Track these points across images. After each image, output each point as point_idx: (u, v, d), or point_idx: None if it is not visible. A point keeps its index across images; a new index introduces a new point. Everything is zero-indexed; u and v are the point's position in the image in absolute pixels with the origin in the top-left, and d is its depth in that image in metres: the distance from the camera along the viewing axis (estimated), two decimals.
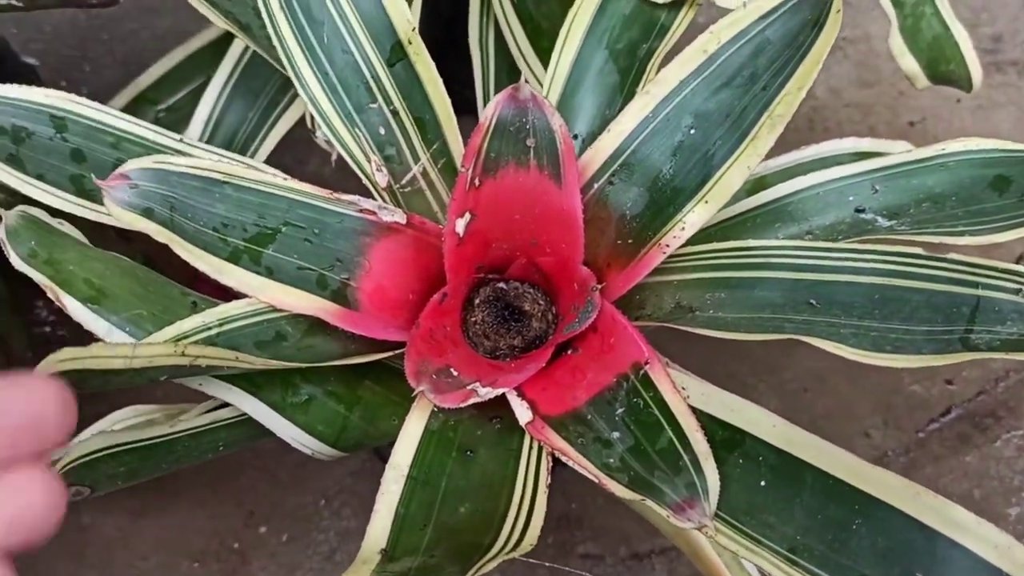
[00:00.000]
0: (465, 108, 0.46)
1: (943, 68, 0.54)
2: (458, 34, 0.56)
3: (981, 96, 0.78)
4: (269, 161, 0.54)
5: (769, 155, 0.43)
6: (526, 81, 0.41)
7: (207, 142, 0.56)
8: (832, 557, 0.33)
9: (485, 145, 0.42)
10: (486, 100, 0.54)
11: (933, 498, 0.32)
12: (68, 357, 0.31)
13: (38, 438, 0.24)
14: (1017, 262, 0.69)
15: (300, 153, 0.79)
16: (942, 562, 0.31)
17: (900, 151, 0.55)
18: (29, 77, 0.76)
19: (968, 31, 0.82)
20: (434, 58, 0.46)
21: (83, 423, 0.50)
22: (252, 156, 0.55)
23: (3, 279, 0.60)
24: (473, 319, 0.45)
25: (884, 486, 0.33)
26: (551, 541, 0.62)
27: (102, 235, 0.45)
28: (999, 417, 0.66)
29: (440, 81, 0.45)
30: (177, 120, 0.62)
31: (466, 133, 0.46)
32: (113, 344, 0.32)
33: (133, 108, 0.62)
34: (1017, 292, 0.38)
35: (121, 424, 0.56)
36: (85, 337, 0.34)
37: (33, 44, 0.83)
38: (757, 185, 0.52)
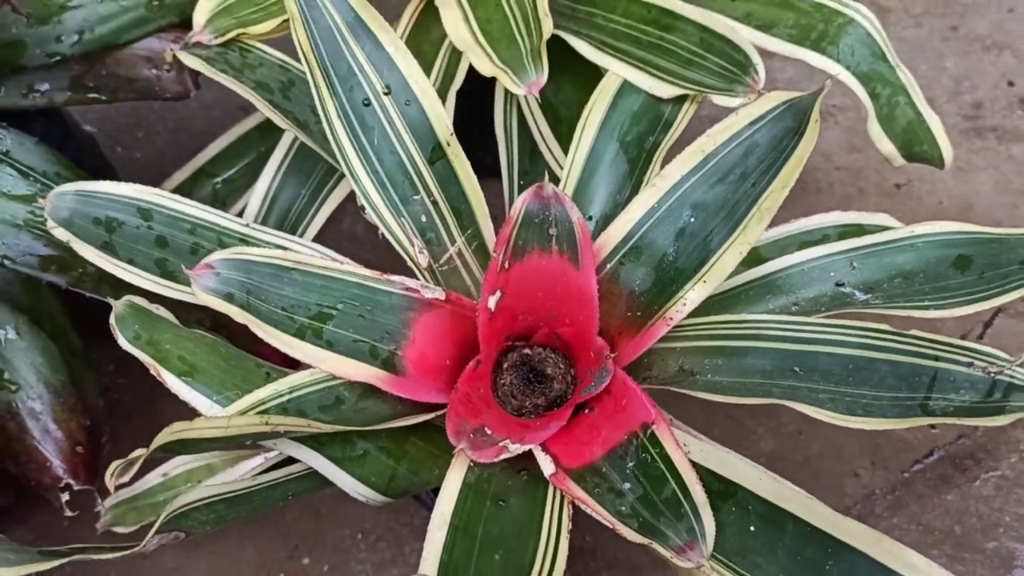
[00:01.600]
0: (486, 171, 0.52)
1: (917, 148, 0.61)
2: (479, 105, 0.63)
3: (962, 160, 0.84)
4: None
5: None
6: (548, 179, 0.48)
7: (264, 216, 0.63)
8: None
9: (514, 235, 0.48)
10: (510, 181, 0.61)
11: (891, 544, 0.38)
12: (177, 430, 0.37)
13: None
14: (984, 330, 0.76)
15: (335, 212, 0.86)
16: None
17: (879, 222, 0.62)
18: (91, 145, 0.83)
19: (949, 99, 0.88)
20: (456, 125, 0.53)
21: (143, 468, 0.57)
22: (304, 230, 0.62)
23: (77, 334, 0.67)
24: (502, 381, 0.51)
25: (851, 533, 0.39)
26: (567, 573, 0.68)
27: (182, 304, 0.52)
28: (978, 459, 0.72)
29: (474, 177, 0.52)
30: (233, 191, 0.69)
31: (487, 194, 0.52)
32: (211, 418, 0.39)
33: (194, 180, 0.70)
34: (969, 365, 0.45)
35: (180, 468, 0.63)
36: (145, 384, 0.40)
37: (90, 113, 0.90)
38: (751, 255, 0.58)
